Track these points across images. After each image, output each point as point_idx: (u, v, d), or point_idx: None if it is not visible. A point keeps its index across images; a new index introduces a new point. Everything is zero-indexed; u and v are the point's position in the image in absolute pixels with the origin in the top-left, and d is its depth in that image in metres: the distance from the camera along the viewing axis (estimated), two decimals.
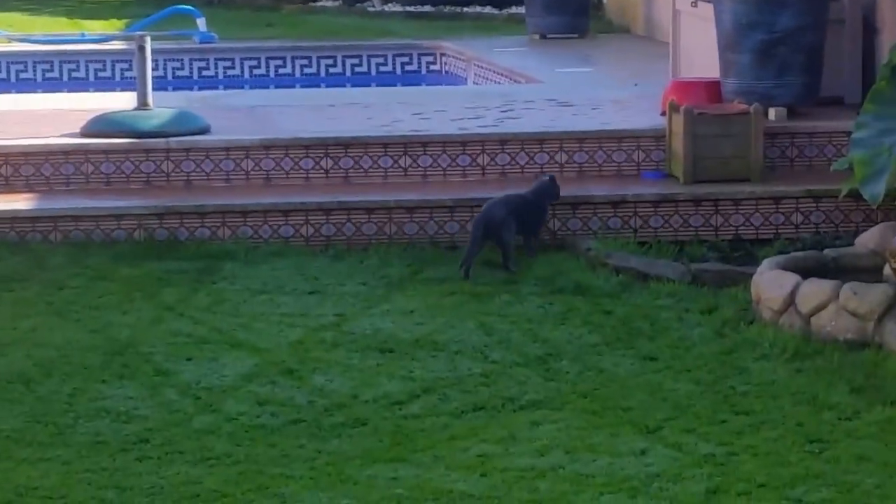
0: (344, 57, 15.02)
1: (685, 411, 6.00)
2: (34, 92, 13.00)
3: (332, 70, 14.66)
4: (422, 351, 7.10)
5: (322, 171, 9.73)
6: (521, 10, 16.57)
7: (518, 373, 6.74)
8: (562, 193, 8.81)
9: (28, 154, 9.68)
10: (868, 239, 7.84)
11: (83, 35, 15.97)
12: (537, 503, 4.82)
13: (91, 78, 13.08)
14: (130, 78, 11.25)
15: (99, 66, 13.34)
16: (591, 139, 9.85)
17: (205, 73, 13.66)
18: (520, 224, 8.62)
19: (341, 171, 9.75)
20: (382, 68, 14.69)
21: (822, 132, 9.60)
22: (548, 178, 8.97)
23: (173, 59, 11.99)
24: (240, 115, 11.06)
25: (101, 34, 15.51)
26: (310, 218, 9.21)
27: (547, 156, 9.68)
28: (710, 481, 5.01)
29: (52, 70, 14.21)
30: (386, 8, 19.22)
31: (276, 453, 5.48)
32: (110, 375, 6.59)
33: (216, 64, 13.94)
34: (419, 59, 15.07)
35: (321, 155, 9.74)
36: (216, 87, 12.50)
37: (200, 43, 13.98)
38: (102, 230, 9.07)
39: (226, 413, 6.09)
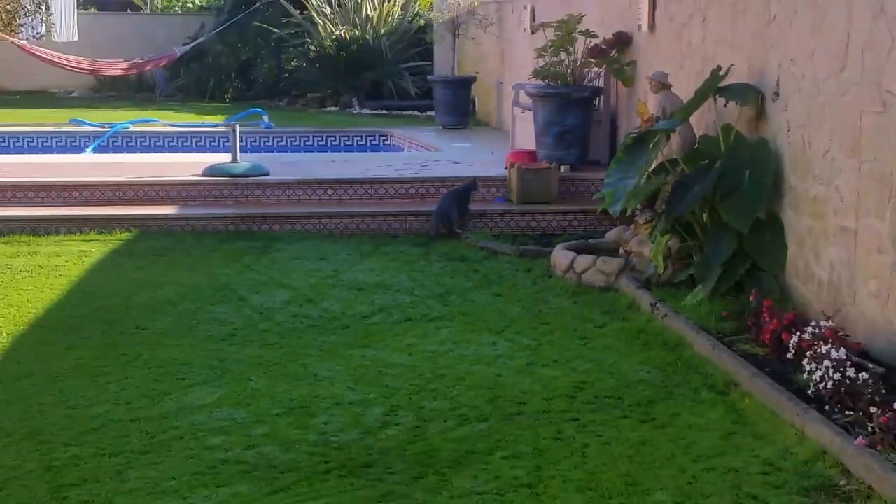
0: (340, 136, 18.56)
1: (516, 322, 8.47)
2: (177, 153, 16.09)
3: (332, 143, 18.26)
4: (378, 289, 9.60)
5: (327, 196, 12.79)
6: (433, 113, 19.59)
7: (429, 302, 9.20)
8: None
9: (176, 184, 12.61)
10: (611, 235, 10.42)
11: (203, 123, 18.72)
12: (438, 369, 7.26)
13: (206, 146, 16.34)
14: (227, 146, 14.01)
15: (212, 139, 16.54)
16: (467, 180, 12.57)
17: (266, 143, 16.94)
18: (459, 204, 11.75)
19: (337, 195, 12.82)
20: (359, 142, 18.22)
21: (589, 179, 12.40)
22: (472, 179, 12.16)
23: (251, 136, 14.82)
24: (285, 166, 13.88)
25: (213, 123, 18.22)
26: (321, 220, 12.17)
27: (445, 188, 12.57)
28: (528, 359, 7.53)
29: (187, 141, 17.28)
30: (362, 111, 22.16)
31: (302, 342, 7.97)
32: (216, 301, 9.17)
33: (272, 139, 17.25)
34: (379, 138, 18.43)
35: (327, 187, 12.87)
36: (272, 152, 15.54)
37: (264, 128, 16.73)
38: (213, 225, 11.94)
39: (275, 321, 8.58)
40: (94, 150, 16.47)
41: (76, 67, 25.18)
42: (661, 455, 5.76)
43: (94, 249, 10.77)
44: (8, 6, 25.08)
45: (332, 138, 18.36)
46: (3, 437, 6.07)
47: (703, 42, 9.88)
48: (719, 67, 8.86)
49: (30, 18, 26.63)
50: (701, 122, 9.13)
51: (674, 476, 5.49)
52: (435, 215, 11.80)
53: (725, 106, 8.84)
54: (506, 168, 12.39)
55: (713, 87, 8.78)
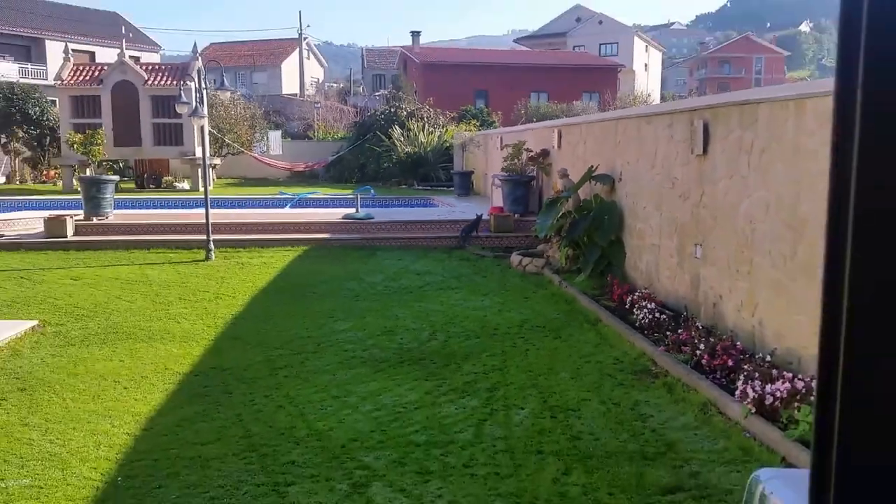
0: (406, 200, 17.92)
1: (493, 290, 8.33)
2: (329, 208, 15.46)
3: (403, 203, 17.47)
4: (426, 274, 9.35)
5: (401, 227, 12.17)
6: (453, 188, 19.17)
7: (450, 280, 8.97)
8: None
9: (329, 223, 12.23)
10: (540, 247, 10.07)
11: (341, 194, 18.63)
12: (455, 312, 7.23)
13: (342, 204, 15.10)
14: (352, 204, 13.35)
15: (345, 201, 15.51)
16: (470, 222, 11.93)
17: (372, 203, 15.58)
18: (472, 228, 11.56)
19: (406, 227, 12.14)
20: (415, 203, 17.51)
21: (529, 220, 11.42)
22: (478, 217, 11.75)
23: (364, 200, 13.37)
24: (381, 213, 13.22)
25: (346, 193, 17.60)
26: (399, 240, 11.64)
27: (460, 226, 11.93)
28: (499, 308, 7.44)
29: (333, 202, 16.68)
30: (417, 188, 21.62)
31: (390, 300, 7.91)
32: (347, 279, 8.98)
33: (375, 201, 16.21)
34: (425, 200, 17.71)
35: (401, 223, 12.28)
36: (375, 207, 14.33)
37: (371, 196, 15.77)
38: (346, 243, 11.53)
39: (377, 290, 8.46)
40: (291, 207, 16.65)
41: (281, 167, 25.64)
42: (564, 355, 5.80)
43: (290, 255, 10.80)
44: (248, 138, 25.60)
45: (402, 201, 18.14)
46: (245, 345, 6.13)
47: (584, 153, 9.82)
48: (592, 166, 8.89)
49: (259, 143, 27.20)
50: (583, 192, 9.14)
51: (570, 364, 5.53)
52: (461, 233, 11.62)
53: (596, 184, 8.84)
54: (489, 215, 12.19)
55: (589, 175, 8.80)
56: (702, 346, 5.11)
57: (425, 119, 25.41)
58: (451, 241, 11.73)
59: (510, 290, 8.39)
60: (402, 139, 23.64)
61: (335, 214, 13.26)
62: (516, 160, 12.50)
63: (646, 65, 61.65)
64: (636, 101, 39.72)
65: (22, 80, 29.79)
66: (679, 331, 5.59)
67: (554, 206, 9.15)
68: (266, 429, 4.29)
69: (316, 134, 32.63)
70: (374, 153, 24.97)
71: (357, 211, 12.99)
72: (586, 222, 8.46)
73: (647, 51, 62.39)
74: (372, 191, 17.39)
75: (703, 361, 4.97)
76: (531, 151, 12.26)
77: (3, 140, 23.69)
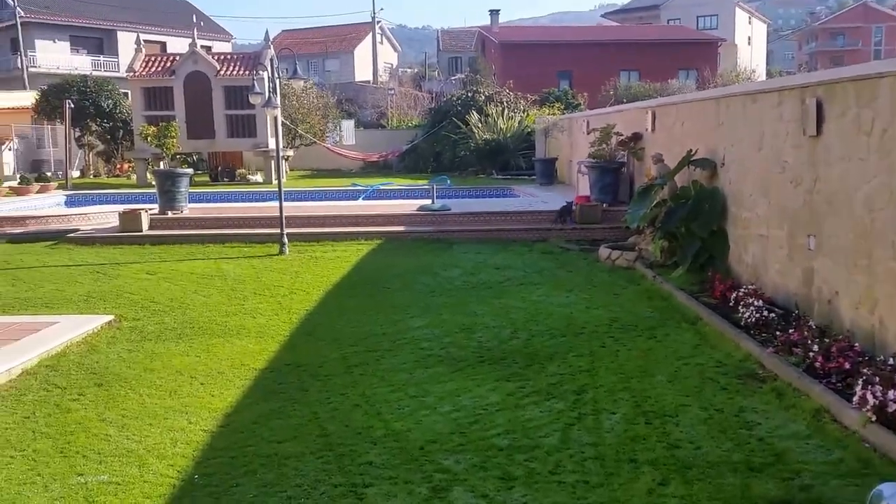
0: (484, 190, 17.72)
1: (578, 285, 8.19)
2: (403, 199, 14.92)
3: (480, 193, 17.18)
4: (506, 268, 9.27)
5: (480, 219, 12.15)
6: (534, 176, 18.86)
7: (532, 275, 8.87)
8: (549, 228, 11.69)
9: (403, 215, 12.38)
10: (631, 239, 9.81)
11: (416, 184, 18.07)
12: (538, 309, 7.16)
13: (417, 195, 14.99)
14: (428, 195, 13.34)
15: (421, 192, 15.57)
16: (553, 212, 12.14)
17: (448, 194, 15.29)
18: (566, 211, 11.81)
19: (485, 219, 12.11)
20: (494, 193, 17.25)
21: (617, 210, 11.35)
22: (569, 203, 12.04)
23: (440, 190, 13.61)
24: (458, 204, 13.07)
25: (421, 183, 17.37)
26: (476, 232, 11.71)
27: (542, 217, 12.11)
28: (586, 304, 7.34)
29: (408, 193, 16.52)
30: (497, 177, 21.42)
31: (467, 295, 7.91)
32: (422, 273, 9.04)
33: (451, 191, 16.01)
34: (505, 190, 17.49)
35: (479, 215, 12.23)
36: (451, 198, 14.11)
37: (447, 186, 15.99)
38: (421, 235, 11.59)
39: (454, 284, 8.48)
40: (364, 199, 16.90)
41: (354, 157, 26.11)
42: (660, 356, 5.66)
43: (363, 248, 10.96)
44: (320, 128, 26.17)
45: (480, 191, 18.03)
46: (320, 341, 6.27)
47: (682, 136, 9.57)
48: (691, 150, 8.63)
49: (331, 133, 27.79)
50: (680, 179, 8.93)
51: (666, 366, 5.39)
52: (557, 214, 11.85)
53: (695, 170, 8.60)
54: (574, 205, 12.19)
55: (687, 160, 8.56)
56: (815, 348, 4.89)
57: (504, 103, 25.28)
58: (532, 234, 11.65)
59: (598, 286, 8.26)
60: (479, 125, 23.58)
61: (410, 206, 13.36)
62: (604, 145, 12.29)
63: (749, 38, 59.41)
64: (738, 79, 38.32)
65: (95, 73, 31.37)
66: (789, 330, 5.37)
67: (647, 194, 8.94)
68: (342, 428, 4.38)
69: (389, 122, 32.99)
70: (450, 141, 25.04)
71: (433, 202, 13.04)
72: (684, 211, 8.21)
73: (750, 23, 60.08)
74: (448, 181, 17.48)
75: (817, 364, 4.76)
76: (621, 135, 12.01)
77: (77, 134, 24.96)
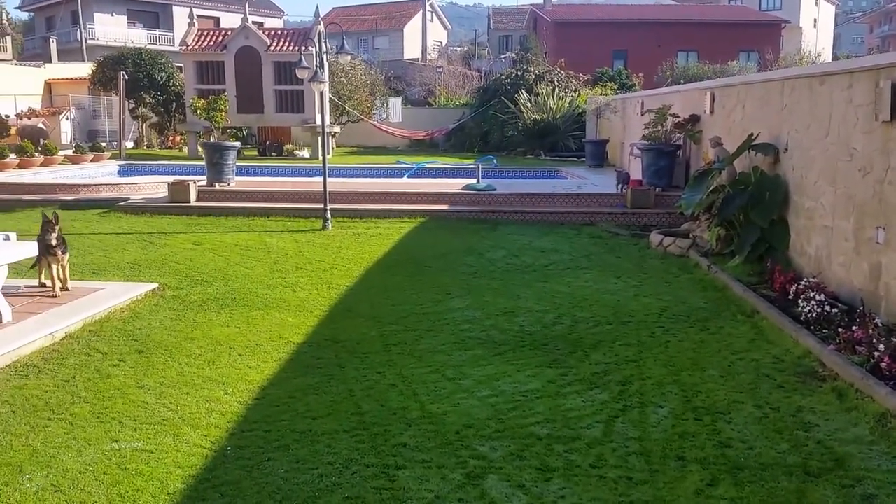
0: (532, 171, 17.34)
1: (627, 272, 8.00)
2: (448, 178, 15.01)
3: (528, 174, 17.10)
4: (552, 252, 9.11)
5: (525, 200, 11.98)
6: (584, 158, 18.70)
7: (579, 259, 8.72)
8: (598, 211, 11.43)
9: (448, 194, 12.22)
10: (685, 226, 9.74)
11: (462, 163, 18.08)
12: (584, 295, 6.97)
13: (463, 175, 14.82)
14: (474, 174, 13.31)
15: (466, 171, 15.23)
16: (602, 195, 12.12)
17: (494, 174, 15.41)
18: (624, 179, 12.01)
19: (531, 200, 11.93)
20: (542, 174, 17.04)
21: (671, 195, 11.21)
22: (626, 173, 12.33)
23: (486, 170, 13.46)
24: (504, 185, 13.13)
25: (467, 163, 17.69)
26: (522, 213, 11.50)
27: (591, 199, 11.91)
28: (635, 292, 7.13)
29: (453, 172, 16.37)
30: (545, 158, 21.06)
31: (511, 278, 7.76)
32: (465, 254, 8.93)
33: (497, 172, 15.94)
34: (553, 172, 17.11)
35: (525, 196, 12.12)
36: (497, 178, 14.41)
37: (493, 166, 15.93)
38: (465, 215, 11.45)
39: (497, 266, 8.34)
40: (409, 176, 16.83)
41: (400, 134, 26.05)
42: (712, 349, 5.43)
43: (406, 226, 10.88)
44: (367, 105, 26.17)
45: (527, 172, 17.72)
46: (359, 318, 6.20)
47: (742, 119, 9.24)
48: (752, 134, 8.28)
49: (378, 110, 27.77)
50: (739, 164, 8.61)
51: (720, 361, 5.16)
52: (618, 179, 11.98)
53: (756, 155, 8.28)
54: (626, 188, 11.92)
55: (748, 144, 8.22)
56: (881, 347, 4.61)
57: (555, 83, 24.89)
58: (580, 217, 11.42)
59: (648, 273, 8.03)
60: (528, 105, 23.24)
61: (455, 185, 13.23)
62: (660, 127, 11.93)
63: (815, 21, 57.32)
64: (802, 63, 36.96)
65: (150, 47, 31.84)
66: (853, 328, 5.08)
67: (704, 179, 8.63)
68: (377, 407, 4.31)
69: (437, 100, 32.85)
70: (498, 120, 24.76)
71: (478, 182, 12.89)
72: (743, 198, 7.90)
73: (816, 5, 57.89)
74: (494, 160, 17.31)
75: (883, 365, 4.49)
76: (677, 117, 11.64)
77: (132, 105, 25.38)
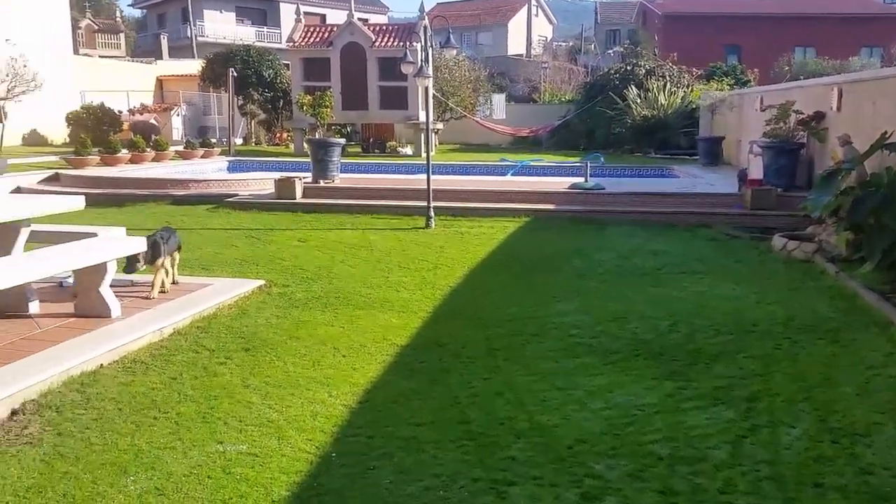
0: (640, 169, 16.97)
1: (747, 278, 7.56)
2: (553, 176, 14.97)
3: (636, 173, 16.77)
4: (664, 254, 8.75)
5: (635, 200, 11.63)
6: (696, 156, 18.08)
7: (694, 263, 8.30)
8: (713, 212, 10.91)
9: (554, 193, 11.96)
10: (810, 229, 9.17)
11: (567, 161, 18.25)
12: (700, 301, 6.62)
13: (568, 173, 14.82)
14: (580, 173, 13.02)
15: (572, 170, 15.28)
16: (718, 195, 11.80)
17: (601, 172, 14.98)
18: (743, 178, 11.76)
19: (640, 200, 11.64)
20: (651, 173, 16.69)
21: (794, 196, 10.60)
22: (743, 169, 12.01)
23: (593, 168, 12.84)
24: (612, 184, 12.75)
25: (573, 161, 17.64)
26: (632, 214, 11.13)
27: (707, 200, 11.51)
28: (756, 299, 6.71)
29: (558, 171, 16.14)
30: (654, 156, 20.56)
31: (621, 281, 7.49)
32: (573, 256, 8.66)
33: (605, 170, 15.57)
34: (663, 170, 16.67)
35: (635, 196, 11.85)
36: (605, 177, 14.00)
37: (600, 164, 15.48)
38: (572, 215, 11.16)
39: (606, 268, 8.07)
40: (513, 174, 16.66)
41: (503, 131, 25.91)
42: (846, 364, 5.00)
43: (510, 226, 10.71)
44: (471, 101, 26.16)
45: (637, 170, 17.33)
46: (463, 320, 6.09)
47: (873, 116, 8.70)
48: (885, 132, 7.77)
49: (481, 107, 27.76)
50: (871, 164, 8.03)
51: (854, 376, 4.74)
52: (739, 178, 11.69)
53: (889, 155, 7.69)
54: (745, 188, 11.34)
55: (881, 143, 7.73)
56: None
57: (667, 77, 24.12)
58: (695, 218, 10.90)
59: (771, 279, 7.55)
60: (637, 101, 22.63)
61: (560, 184, 12.99)
62: (782, 124, 11.36)
63: None
64: None
65: (257, 44, 32.95)
66: None
67: (833, 179, 8.12)
68: (484, 416, 4.17)
69: (541, 97, 32.52)
70: (605, 117, 24.22)
71: (585, 180, 12.60)
72: (874, 201, 7.35)
73: None
74: (602, 158, 16.93)
75: None
76: (801, 113, 11.07)
77: (240, 102, 26.32)
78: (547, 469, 3.55)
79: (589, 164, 13.07)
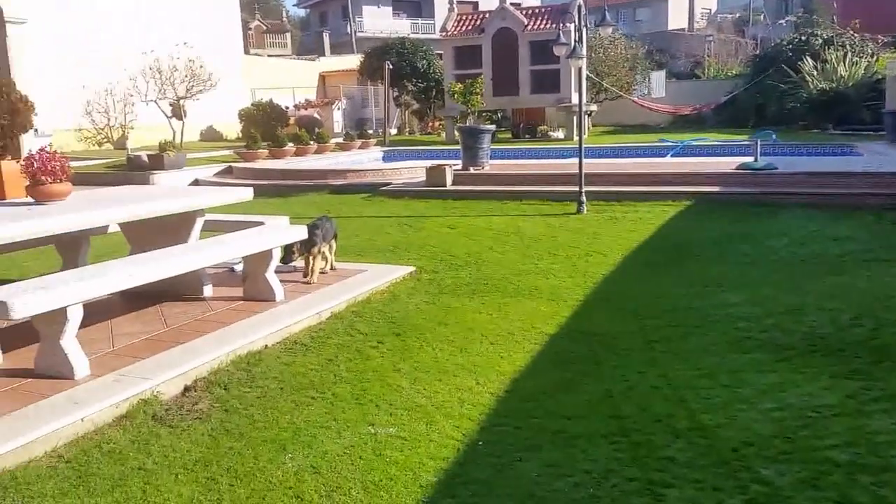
0: (817, 147, 15.81)
1: None
2: (717, 157, 13.97)
3: (812, 151, 15.63)
4: (847, 240, 7.94)
5: (811, 181, 10.66)
6: (882, 132, 16.54)
7: (879, 250, 7.38)
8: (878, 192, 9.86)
9: (718, 174, 11.23)
10: None
11: (733, 140, 17.28)
12: (889, 292, 5.90)
13: (734, 152, 14.25)
14: (749, 152, 12.29)
15: (738, 149, 14.60)
16: None
17: (773, 151, 14.07)
18: None
19: (818, 181, 10.51)
20: (829, 151, 15.53)
21: None
22: None
23: (764, 146, 11.51)
24: (785, 163, 11.80)
25: (740, 139, 16.55)
26: (808, 196, 10.15)
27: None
28: None
29: (722, 150, 15.60)
30: (833, 132, 18.94)
31: (795, 270, 6.78)
32: (740, 242, 8.08)
33: (777, 149, 14.62)
34: (844, 148, 15.42)
35: (812, 176, 10.79)
36: (776, 156, 13.36)
37: (772, 142, 14.19)
38: (740, 198, 10.39)
39: (778, 256, 7.41)
40: (672, 155, 15.99)
41: (663, 110, 24.99)
42: None
43: (669, 210, 10.23)
44: (627, 81, 25.37)
45: (813, 148, 16.04)
46: (616, 310, 5.88)
47: None
48: None
49: (639, 86, 26.89)
50: None
51: None
52: None
53: None
54: None
55: None
56: None
57: (847, 47, 22.16)
58: (882, 200, 9.91)
59: None
60: (813, 73, 21.00)
61: (726, 164, 12.28)
62: None
63: None
64: None
65: (412, 36, 33.81)
66: None
67: None
68: (638, 411, 3.97)
69: (705, 72, 31.00)
70: (776, 91, 22.70)
71: (755, 160, 11.81)
72: None
73: None
74: (773, 136, 15.84)
75: None
76: None
77: (395, 93, 27.13)
78: (709, 472, 3.31)
79: (759, 143, 12.21)
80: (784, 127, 21.29)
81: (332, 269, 6.92)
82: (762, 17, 46.32)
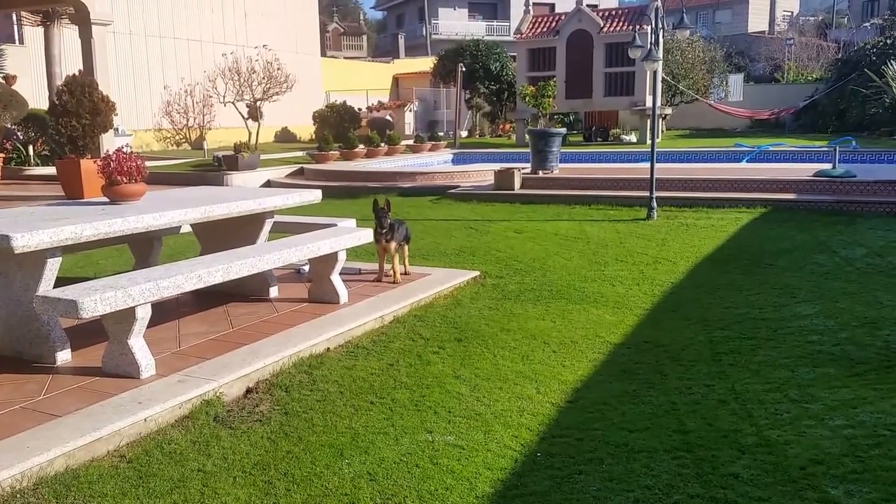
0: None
1: None
2: (794, 163, 14.02)
3: (891, 159, 14.74)
4: None
5: (892, 188, 10.27)
6: None
7: None
8: None
9: (795, 181, 10.96)
10: None
11: (812, 145, 16.58)
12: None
13: (811, 159, 14.04)
14: (827, 159, 12.08)
15: (817, 155, 14.38)
16: None
17: (852, 158, 13.85)
18: None
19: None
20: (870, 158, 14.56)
21: None
22: None
23: (843, 153, 12.20)
24: (865, 171, 11.40)
25: (819, 145, 16.09)
26: (890, 205, 10.15)
27: None
28: None
29: (800, 157, 15.38)
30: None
31: (872, 281, 6.55)
32: (816, 251, 7.87)
33: (857, 156, 14.33)
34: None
35: (892, 184, 10.35)
36: (856, 163, 13.02)
37: (852, 149, 14.16)
38: (816, 206, 10.12)
39: (855, 266, 7.23)
40: (748, 161, 15.55)
41: (740, 114, 24.33)
42: None
43: (743, 217, 9.95)
44: (704, 84, 24.75)
45: (894, 155, 15.03)
46: (684, 320, 5.74)
47: None
48: None
49: (716, 89, 26.30)
50: None
51: None
52: None
53: None
54: None
55: None
56: None
57: None
58: None
59: None
60: None
61: (804, 171, 11.95)
62: None
63: None
64: None
65: (487, 38, 33.76)
66: None
67: None
68: (704, 426, 3.84)
69: (785, 76, 29.99)
70: (859, 96, 21.83)
71: (834, 167, 11.43)
72: None
73: None
74: (854, 142, 15.27)
75: None
76: None
77: (467, 96, 27.14)
78: (775, 490, 3.18)
79: (838, 149, 11.76)
80: (865, 133, 20.60)
81: (405, 273, 6.90)
82: (846, 19, 44.53)
